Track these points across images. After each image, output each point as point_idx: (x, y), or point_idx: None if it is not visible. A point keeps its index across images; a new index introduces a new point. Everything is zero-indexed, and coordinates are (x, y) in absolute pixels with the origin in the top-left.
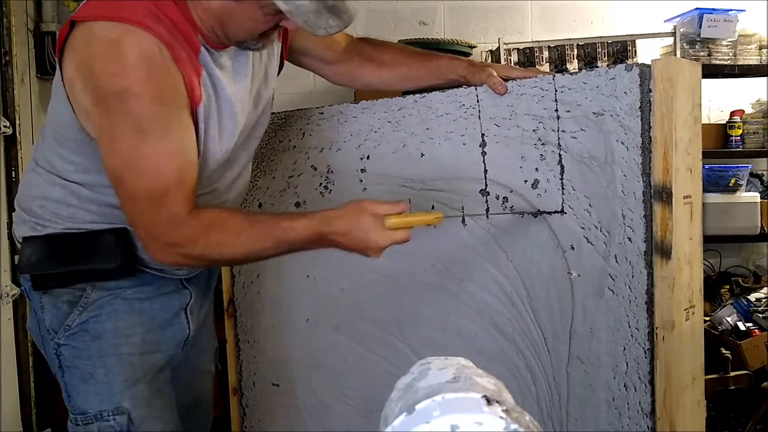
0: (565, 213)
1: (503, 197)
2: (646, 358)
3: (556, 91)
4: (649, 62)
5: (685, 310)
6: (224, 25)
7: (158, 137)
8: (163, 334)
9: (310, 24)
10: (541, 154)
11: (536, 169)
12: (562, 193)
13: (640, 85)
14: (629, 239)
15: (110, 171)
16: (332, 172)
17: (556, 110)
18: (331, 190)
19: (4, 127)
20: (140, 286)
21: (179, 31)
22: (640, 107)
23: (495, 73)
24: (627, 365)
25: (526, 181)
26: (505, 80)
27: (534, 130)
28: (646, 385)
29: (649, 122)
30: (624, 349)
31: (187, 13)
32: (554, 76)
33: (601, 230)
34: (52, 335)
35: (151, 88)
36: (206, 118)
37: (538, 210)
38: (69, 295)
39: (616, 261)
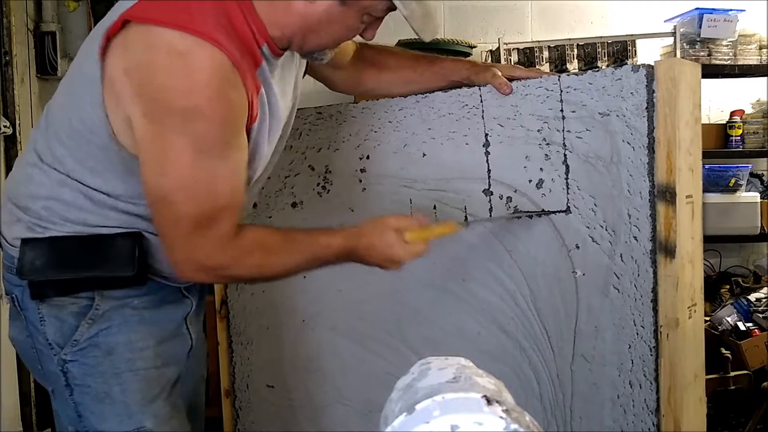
0: (570, 212)
1: (507, 197)
2: (651, 355)
3: (561, 91)
4: (652, 63)
5: (688, 308)
6: (314, 31)
7: (216, 159)
8: (172, 346)
9: (422, 29)
10: (546, 154)
11: (541, 168)
12: (567, 193)
13: (646, 85)
14: (635, 238)
15: (155, 190)
16: (330, 172)
17: (562, 110)
18: (329, 191)
19: (4, 127)
20: (145, 295)
21: (245, 45)
22: (646, 108)
23: (499, 74)
24: (632, 363)
25: (530, 180)
26: (509, 80)
27: (539, 131)
28: (651, 383)
29: (654, 122)
30: (629, 347)
31: (254, 20)
32: (559, 76)
33: (606, 229)
34: (56, 350)
35: (220, 109)
36: (257, 136)
37: (543, 209)
38: (74, 306)
39: (622, 260)
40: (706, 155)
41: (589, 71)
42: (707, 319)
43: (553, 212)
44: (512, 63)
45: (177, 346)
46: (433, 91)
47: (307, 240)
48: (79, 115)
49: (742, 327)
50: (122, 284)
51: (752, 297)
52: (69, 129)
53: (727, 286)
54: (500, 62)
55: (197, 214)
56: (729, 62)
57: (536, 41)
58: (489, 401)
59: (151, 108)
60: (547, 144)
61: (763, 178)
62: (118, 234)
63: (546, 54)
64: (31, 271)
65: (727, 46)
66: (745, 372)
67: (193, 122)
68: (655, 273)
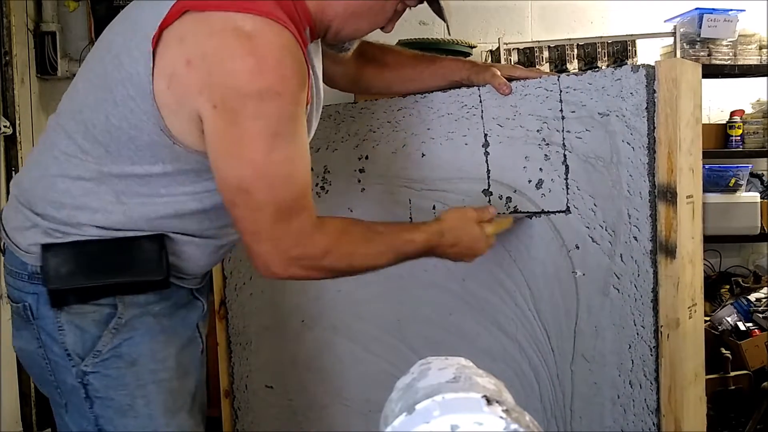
0: (570, 213)
1: (506, 197)
2: (651, 355)
3: (561, 91)
4: (652, 63)
5: (688, 308)
6: (356, 17)
7: (289, 142)
8: (189, 353)
9: (449, 21)
10: (546, 155)
11: (540, 169)
12: (567, 193)
13: (646, 86)
14: (635, 238)
15: (233, 182)
16: (329, 172)
17: (561, 111)
18: (327, 191)
19: (4, 127)
20: (163, 301)
21: (295, 26)
22: (646, 108)
23: (499, 74)
24: (632, 363)
25: (529, 181)
26: (509, 80)
27: (538, 131)
28: (651, 383)
29: (654, 123)
30: (629, 347)
31: (300, 5)
32: (559, 77)
33: (606, 229)
34: (75, 361)
35: (292, 88)
36: (307, 122)
37: (543, 210)
38: (96, 314)
39: (622, 260)
40: (706, 155)
41: (589, 71)
42: (707, 319)
43: (553, 212)
44: (512, 63)
45: (193, 351)
46: (432, 91)
47: (390, 233)
48: (119, 112)
49: (742, 327)
50: (147, 288)
51: (752, 297)
52: (106, 125)
53: (727, 286)
54: (500, 62)
55: (279, 201)
56: (729, 62)
57: (536, 41)
58: (489, 401)
59: (223, 96)
60: (547, 144)
61: (763, 178)
62: (143, 237)
63: (546, 54)
64: (57, 278)
65: (727, 46)
66: (745, 372)
67: (267, 103)
68: (655, 273)
